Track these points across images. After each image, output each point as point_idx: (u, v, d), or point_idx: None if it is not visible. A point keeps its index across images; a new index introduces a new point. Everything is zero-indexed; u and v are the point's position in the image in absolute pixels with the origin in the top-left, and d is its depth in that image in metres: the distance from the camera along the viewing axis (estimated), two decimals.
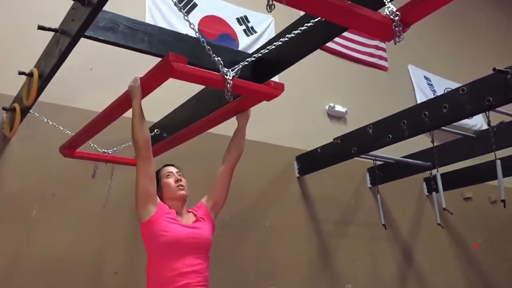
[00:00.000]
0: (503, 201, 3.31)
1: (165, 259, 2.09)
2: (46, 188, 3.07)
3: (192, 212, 2.30)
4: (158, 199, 2.18)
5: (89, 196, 3.18)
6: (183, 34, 2.61)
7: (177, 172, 2.37)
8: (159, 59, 2.02)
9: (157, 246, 2.12)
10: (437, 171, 4.02)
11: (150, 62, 2.17)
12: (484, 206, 5.45)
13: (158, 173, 2.30)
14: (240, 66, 1.99)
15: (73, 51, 2.15)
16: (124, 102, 2.19)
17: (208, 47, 1.93)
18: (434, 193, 4.26)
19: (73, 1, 1.93)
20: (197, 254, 2.14)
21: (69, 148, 2.80)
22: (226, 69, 1.93)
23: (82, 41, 2.14)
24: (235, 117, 2.35)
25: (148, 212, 2.11)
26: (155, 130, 3.16)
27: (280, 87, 2.13)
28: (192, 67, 1.88)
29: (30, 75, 2.51)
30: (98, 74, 3.46)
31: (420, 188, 5.10)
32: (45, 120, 2.88)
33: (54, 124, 2.88)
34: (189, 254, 2.11)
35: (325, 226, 4.28)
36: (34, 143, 3.10)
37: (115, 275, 3.14)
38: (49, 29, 2.17)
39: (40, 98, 2.58)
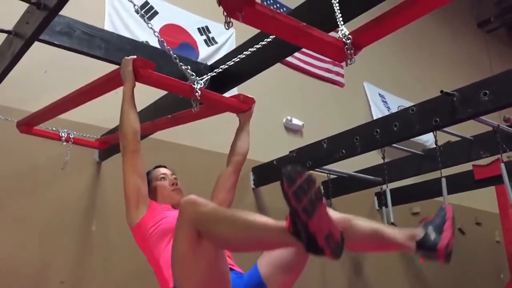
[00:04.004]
0: None
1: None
2: None
3: None
4: (149, 199, 1.92)
5: (36, 199, 3.08)
6: (141, 42, 2.62)
7: (172, 174, 2.12)
8: (116, 66, 2.02)
9: (157, 239, 1.78)
10: (387, 187, 4.16)
11: (107, 68, 2.15)
12: None
13: (148, 175, 2.04)
14: (209, 76, 2.03)
15: (27, 52, 2.10)
16: (109, 82, 2.01)
17: (175, 55, 1.95)
18: (384, 207, 4.39)
19: (28, 4, 1.89)
20: None
21: (27, 125, 2.62)
22: (196, 78, 1.93)
23: (37, 43, 2.09)
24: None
25: (139, 213, 1.83)
26: None
27: (249, 102, 2.15)
28: (162, 74, 1.90)
29: None
30: (52, 77, 3.37)
31: (371, 202, 5.24)
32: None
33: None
34: None
35: None
36: None
37: (61, 285, 3.04)
38: (2, 31, 2.11)
39: None
